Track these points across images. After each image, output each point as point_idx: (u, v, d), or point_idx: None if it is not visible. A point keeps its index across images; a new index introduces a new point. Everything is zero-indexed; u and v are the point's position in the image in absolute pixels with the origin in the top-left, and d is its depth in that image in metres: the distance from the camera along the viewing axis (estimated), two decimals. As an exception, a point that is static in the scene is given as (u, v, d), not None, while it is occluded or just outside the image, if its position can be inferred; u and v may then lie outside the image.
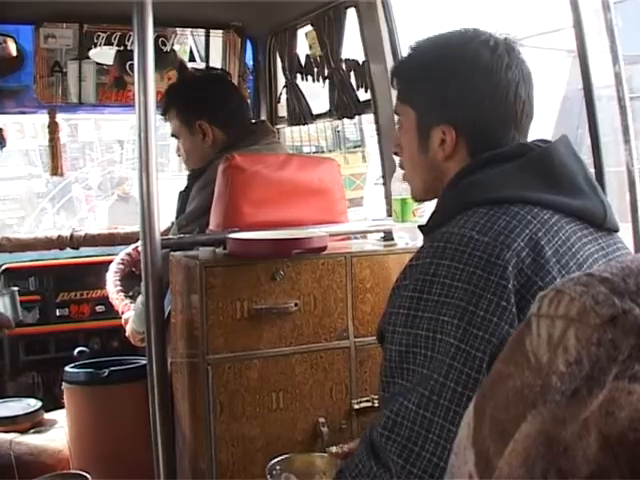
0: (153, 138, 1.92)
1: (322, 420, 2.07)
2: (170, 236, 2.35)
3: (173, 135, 2.71)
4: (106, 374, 2.41)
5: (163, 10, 2.78)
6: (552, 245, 1.28)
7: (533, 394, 0.52)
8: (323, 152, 5.75)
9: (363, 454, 1.27)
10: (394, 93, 2.56)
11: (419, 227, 1.51)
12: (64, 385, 2.48)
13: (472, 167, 1.40)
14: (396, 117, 1.57)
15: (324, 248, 2.09)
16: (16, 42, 2.94)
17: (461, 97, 1.40)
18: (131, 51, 3.01)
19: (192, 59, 3.29)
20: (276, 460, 1.62)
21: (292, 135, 3.54)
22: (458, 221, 1.31)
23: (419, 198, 1.59)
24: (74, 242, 3.32)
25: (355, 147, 7.31)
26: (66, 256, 3.38)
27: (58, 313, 3.29)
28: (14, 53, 2.94)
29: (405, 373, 1.25)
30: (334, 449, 1.69)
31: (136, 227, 3.12)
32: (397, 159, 1.61)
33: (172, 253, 2.16)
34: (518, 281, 1.23)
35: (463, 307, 1.20)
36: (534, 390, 0.52)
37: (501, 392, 0.56)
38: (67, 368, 2.50)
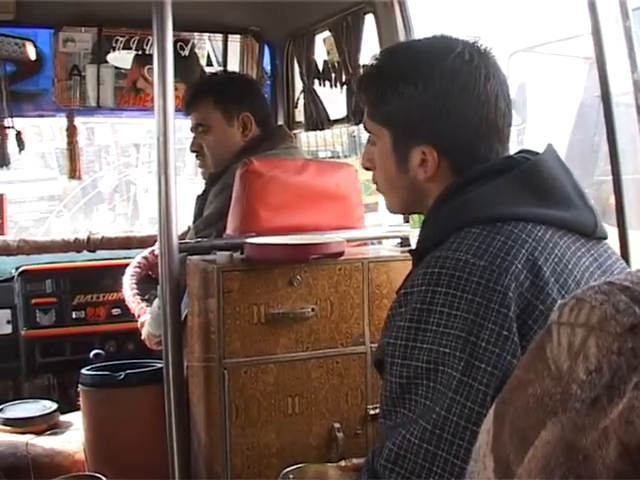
0: (172, 142, 1.94)
1: (337, 425, 2.07)
2: (187, 240, 2.35)
3: (197, 127, 2.67)
4: (122, 377, 2.41)
5: (181, 14, 2.80)
6: (549, 264, 1.26)
7: (553, 402, 0.52)
8: (339, 157, 5.74)
9: None
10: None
11: (409, 252, 1.48)
12: (80, 387, 2.49)
13: (459, 185, 1.36)
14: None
15: (341, 253, 2.09)
16: (35, 46, 2.96)
17: (440, 115, 1.34)
18: (149, 55, 3.05)
19: (209, 64, 3.30)
20: (290, 469, 1.63)
21: (308, 140, 3.55)
22: (451, 244, 1.27)
23: (395, 212, 1.56)
24: (91, 245, 3.33)
25: (370, 153, 7.24)
26: (83, 259, 3.40)
27: (74, 315, 3.30)
28: (33, 57, 2.96)
29: (407, 403, 1.22)
30: (343, 463, 1.69)
31: (153, 230, 3.14)
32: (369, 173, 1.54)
33: (189, 257, 2.17)
34: (518, 306, 1.21)
35: (464, 338, 1.18)
36: (554, 398, 0.52)
37: (521, 399, 0.56)
38: (83, 370, 2.50)
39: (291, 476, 1.61)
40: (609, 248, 1.43)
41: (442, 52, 1.35)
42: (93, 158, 11.85)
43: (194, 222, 2.61)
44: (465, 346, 1.17)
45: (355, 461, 1.65)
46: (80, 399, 2.51)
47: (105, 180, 11.33)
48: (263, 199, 2.30)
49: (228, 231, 2.34)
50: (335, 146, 5.75)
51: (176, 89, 3.09)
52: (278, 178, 2.34)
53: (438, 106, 1.34)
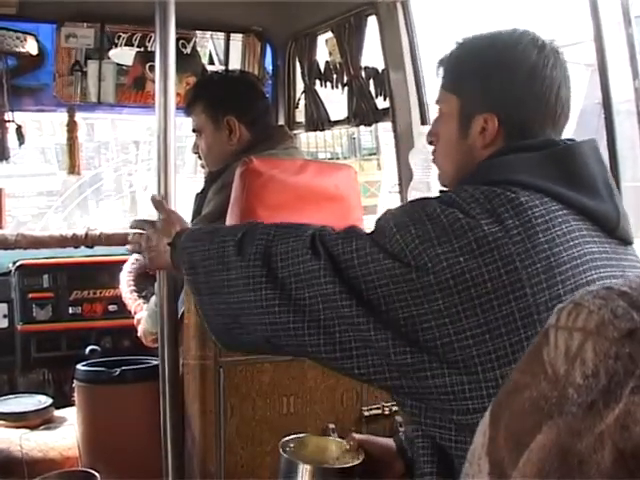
0: (172, 139, 1.94)
1: (332, 426, 2.07)
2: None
3: (194, 131, 2.69)
4: (118, 373, 2.41)
5: (184, 12, 2.80)
6: (550, 232, 1.28)
7: (549, 405, 0.52)
8: (338, 159, 5.75)
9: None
10: (413, 101, 2.59)
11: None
12: (75, 383, 2.48)
13: (497, 154, 1.43)
14: (436, 107, 1.58)
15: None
16: (37, 40, 2.96)
17: (505, 89, 1.43)
18: (151, 52, 3.05)
19: (211, 62, 3.30)
20: (290, 438, 1.63)
21: (308, 141, 3.55)
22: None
23: (447, 184, 1.60)
24: (89, 241, 3.33)
25: (370, 154, 7.31)
26: (80, 254, 3.40)
27: (71, 311, 3.31)
28: (35, 51, 2.96)
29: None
30: (345, 442, 1.69)
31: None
32: (430, 148, 1.61)
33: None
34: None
35: None
36: (550, 401, 0.53)
37: (517, 402, 0.56)
38: (79, 366, 2.50)
39: (291, 445, 1.62)
40: (633, 254, 1.45)
41: (518, 35, 1.46)
42: (93, 154, 11.84)
43: (192, 220, 2.61)
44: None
45: (357, 437, 1.67)
46: (75, 395, 2.50)
47: (104, 176, 11.32)
48: (262, 198, 2.30)
49: (227, 229, 2.34)
50: (335, 147, 5.76)
51: (187, 84, 3.12)
52: (277, 178, 2.34)
53: (506, 81, 1.43)
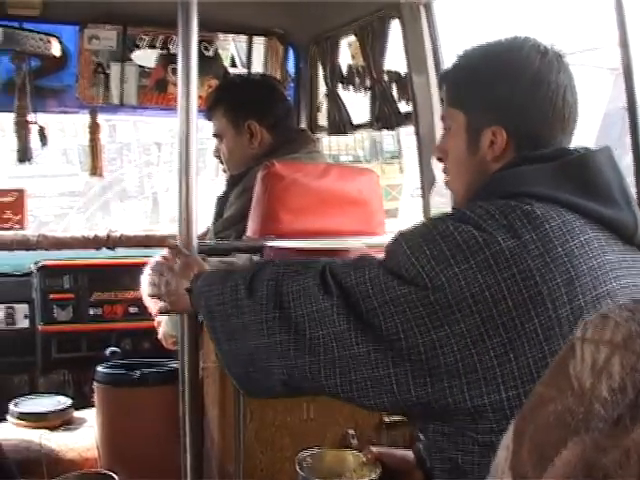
0: (194, 142, 1.93)
1: (352, 432, 2.06)
2: (206, 241, 2.35)
3: (215, 135, 2.70)
4: (138, 376, 2.41)
5: (206, 14, 2.80)
6: (567, 245, 1.26)
7: (576, 421, 0.51)
8: (360, 162, 5.74)
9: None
10: (436, 105, 2.58)
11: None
12: (95, 384, 2.49)
13: (509, 165, 1.41)
14: (442, 124, 1.58)
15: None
16: (60, 42, 2.96)
17: (511, 99, 1.41)
18: (174, 54, 3.05)
19: (233, 65, 3.29)
20: (308, 453, 1.62)
21: (330, 144, 3.54)
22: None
23: (460, 201, 1.58)
24: (110, 242, 3.33)
25: (392, 158, 7.31)
26: (102, 256, 3.40)
27: (91, 312, 3.32)
28: (58, 53, 2.96)
29: None
30: (363, 454, 1.68)
31: (173, 229, 3.13)
32: (440, 165, 1.60)
33: (208, 258, 2.16)
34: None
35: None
36: (577, 417, 0.51)
37: (542, 416, 0.55)
38: (99, 367, 2.51)
39: (308, 459, 1.60)
40: None
41: (519, 43, 1.44)
42: (115, 155, 11.89)
43: (214, 223, 2.61)
44: None
45: (375, 449, 1.65)
46: (95, 396, 2.51)
47: (126, 178, 11.36)
48: (284, 202, 2.30)
49: (248, 233, 2.34)
50: (357, 151, 5.75)
51: (209, 87, 3.12)
52: (299, 181, 2.34)
53: (511, 90, 1.41)
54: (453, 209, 1.44)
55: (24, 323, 3.26)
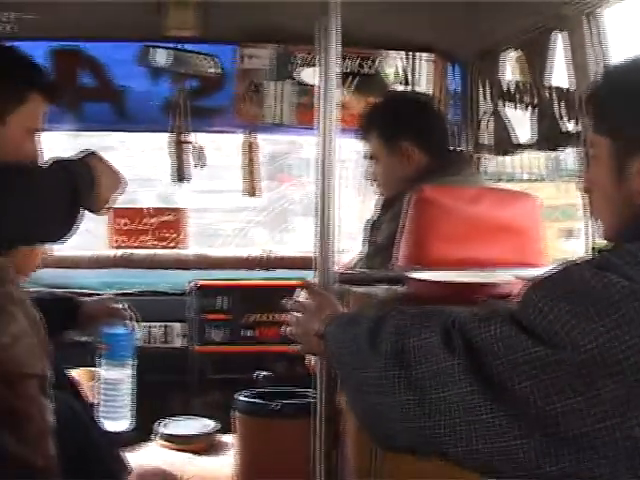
0: (334, 163, 1.84)
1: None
2: (346, 270, 2.25)
3: (369, 156, 2.59)
4: (277, 406, 2.34)
5: (364, 31, 2.71)
6: None
7: None
8: (536, 180, 5.49)
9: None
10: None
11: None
12: (234, 412, 2.44)
13: None
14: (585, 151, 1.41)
15: (509, 295, 1.89)
16: (217, 62, 2.95)
17: None
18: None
19: (396, 82, 3.17)
20: None
21: (504, 162, 3.37)
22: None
23: (609, 236, 1.39)
24: (266, 263, 3.30)
25: (572, 176, 6.98)
26: (259, 277, 3.37)
27: (245, 334, 3.28)
28: (216, 73, 2.95)
29: None
30: None
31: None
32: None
33: (351, 288, 2.05)
34: None
35: None
36: None
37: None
38: (238, 396, 2.45)
39: None
40: None
41: None
42: (301, 172, 12.06)
43: (363, 249, 2.51)
44: None
45: None
46: (235, 423, 2.46)
47: (309, 194, 11.49)
48: (434, 229, 2.16)
49: (397, 261, 2.21)
50: (532, 169, 5.49)
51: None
52: (452, 207, 2.19)
53: None
54: (598, 251, 1.25)
55: (179, 342, 3.27)
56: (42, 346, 1.31)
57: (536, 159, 5.50)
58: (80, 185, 1.79)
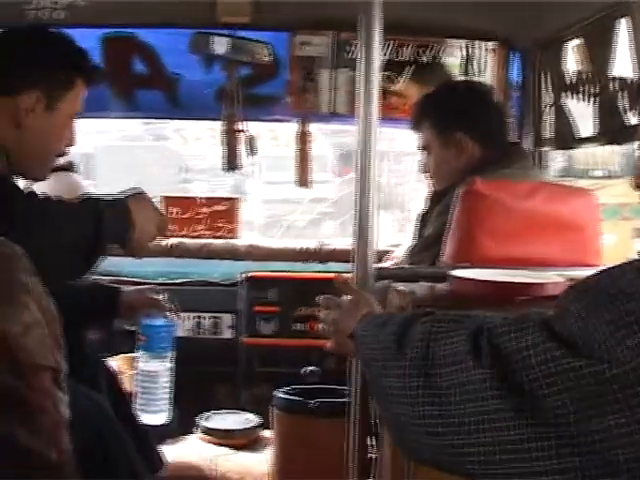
0: (374, 154, 1.77)
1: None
2: (386, 265, 2.17)
3: (421, 148, 2.52)
4: (314, 404, 2.27)
5: (417, 18, 2.61)
6: None
7: None
8: (610, 177, 5.30)
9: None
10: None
11: None
12: (273, 409, 2.38)
13: None
14: None
15: (556, 297, 1.78)
16: (271, 49, 2.89)
17: None
18: (389, 61, 2.89)
19: (454, 71, 3.06)
20: None
21: (575, 158, 3.24)
22: None
23: None
24: (321, 255, 3.24)
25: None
26: (311, 269, 3.31)
27: (295, 327, 3.22)
28: (269, 60, 2.89)
29: None
30: None
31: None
32: None
33: (393, 284, 1.97)
34: None
35: None
36: None
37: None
38: (277, 392, 2.40)
39: None
40: None
41: None
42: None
43: (412, 244, 2.42)
44: None
45: None
46: (273, 420, 2.40)
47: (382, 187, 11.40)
48: (484, 224, 2.06)
49: (443, 258, 2.12)
50: (606, 165, 5.31)
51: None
52: (504, 201, 2.09)
53: None
54: None
55: (228, 334, 3.23)
56: (56, 338, 1.27)
57: (610, 155, 5.31)
58: (104, 230, 1.77)
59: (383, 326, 1.38)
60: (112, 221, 1.80)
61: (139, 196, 1.91)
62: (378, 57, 1.76)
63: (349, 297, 1.70)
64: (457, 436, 1.10)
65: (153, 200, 1.98)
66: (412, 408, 1.18)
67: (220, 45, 2.92)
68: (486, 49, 2.98)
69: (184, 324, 3.17)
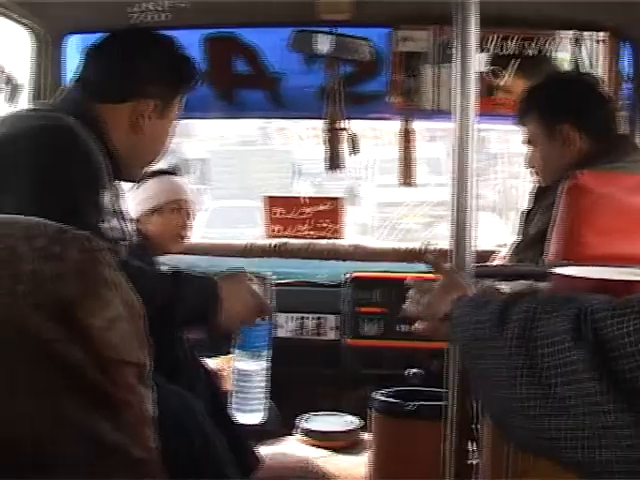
0: (472, 151, 1.71)
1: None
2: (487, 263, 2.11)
3: (527, 142, 2.45)
4: (413, 407, 2.22)
5: (521, 10, 2.53)
6: None
7: None
8: None
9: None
10: None
11: None
12: (371, 411, 2.35)
13: None
14: None
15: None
16: (372, 46, 2.85)
17: None
18: (496, 55, 2.81)
19: (562, 64, 2.96)
20: None
21: None
22: None
23: None
24: (422, 256, 3.18)
25: None
26: (416, 270, 3.25)
27: (400, 329, 3.17)
28: (371, 58, 2.86)
29: None
30: None
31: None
32: None
33: (496, 284, 1.91)
34: None
35: None
36: None
37: None
38: (374, 394, 2.36)
39: None
40: None
41: None
42: (484, 166, 11.89)
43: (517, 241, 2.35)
44: None
45: None
46: (371, 422, 2.37)
47: (489, 189, 11.29)
48: (590, 221, 1.97)
49: (548, 255, 2.04)
50: None
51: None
52: (612, 196, 1.99)
53: None
54: None
55: (332, 335, 3.21)
56: (140, 334, 1.26)
57: None
58: (179, 306, 1.75)
59: (484, 306, 1.33)
60: (192, 299, 1.78)
61: (235, 276, 1.90)
62: (474, 55, 1.71)
63: (441, 279, 1.66)
64: (557, 422, 1.05)
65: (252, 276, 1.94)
66: (512, 390, 1.14)
67: (323, 43, 2.90)
68: (596, 40, 2.86)
69: (287, 325, 3.16)
